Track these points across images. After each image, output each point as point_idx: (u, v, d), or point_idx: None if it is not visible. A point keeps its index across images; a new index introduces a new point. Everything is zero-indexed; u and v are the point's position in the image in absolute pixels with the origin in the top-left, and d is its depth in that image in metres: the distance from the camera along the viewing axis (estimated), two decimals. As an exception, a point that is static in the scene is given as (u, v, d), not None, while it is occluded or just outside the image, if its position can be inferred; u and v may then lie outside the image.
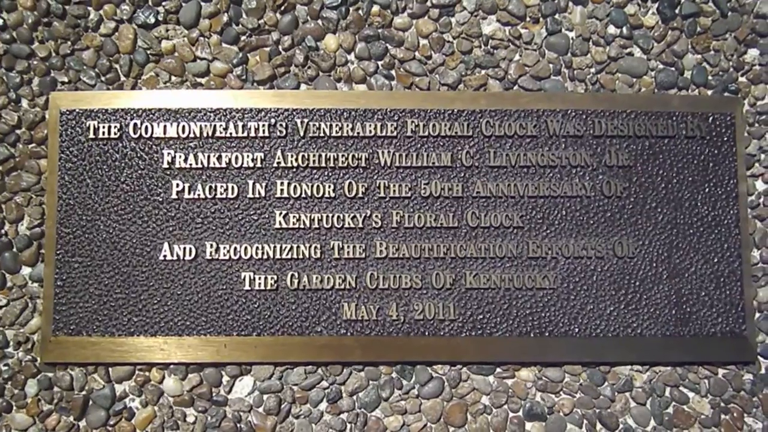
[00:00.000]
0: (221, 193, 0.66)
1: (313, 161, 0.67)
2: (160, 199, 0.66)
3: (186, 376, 0.66)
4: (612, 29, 0.72)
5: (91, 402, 0.66)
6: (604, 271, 0.66)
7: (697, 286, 0.67)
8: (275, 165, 0.67)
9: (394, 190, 0.67)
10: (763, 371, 0.68)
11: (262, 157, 0.67)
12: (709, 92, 0.71)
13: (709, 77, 0.71)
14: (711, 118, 0.69)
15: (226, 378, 0.66)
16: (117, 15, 0.70)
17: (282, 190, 0.66)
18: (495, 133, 0.68)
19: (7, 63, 0.69)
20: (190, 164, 0.67)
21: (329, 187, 0.67)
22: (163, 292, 0.65)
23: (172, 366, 0.66)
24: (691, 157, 0.68)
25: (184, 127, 0.67)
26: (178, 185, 0.66)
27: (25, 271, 0.68)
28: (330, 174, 0.67)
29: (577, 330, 0.66)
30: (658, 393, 0.67)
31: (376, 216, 0.66)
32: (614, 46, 0.71)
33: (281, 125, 0.67)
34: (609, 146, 0.68)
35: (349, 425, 0.66)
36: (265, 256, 0.66)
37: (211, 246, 0.66)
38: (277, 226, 0.66)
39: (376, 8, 0.71)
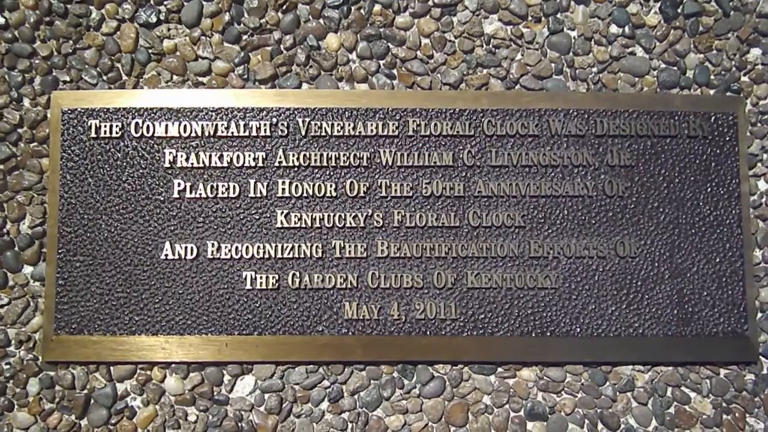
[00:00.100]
0: (223, 193, 0.66)
1: (315, 160, 0.67)
2: (162, 199, 0.66)
3: (187, 375, 0.66)
4: (614, 28, 0.72)
5: (92, 401, 0.66)
6: (605, 270, 0.66)
7: (699, 286, 0.66)
8: (277, 164, 0.67)
9: (396, 190, 0.67)
10: (765, 371, 0.68)
11: (264, 157, 0.67)
12: (712, 92, 0.71)
13: (712, 77, 0.71)
14: (713, 118, 0.69)
15: (228, 377, 0.66)
16: (119, 14, 0.70)
17: (283, 189, 0.66)
18: (497, 132, 0.68)
19: (9, 62, 0.69)
20: (192, 163, 0.67)
21: (331, 186, 0.67)
22: (164, 291, 0.65)
23: (173, 365, 0.66)
24: (693, 156, 0.68)
25: (185, 126, 0.67)
26: (179, 184, 0.66)
27: (27, 270, 0.68)
28: (331, 173, 0.67)
29: (578, 330, 0.66)
30: (659, 393, 0.67)
31: (378, 215, 0.66)
32: (616, 45, 0.71)
33: (283, 124, 0.67)
34: (611, 146, 0.68)
35: (350, 425, 0.66)
36: (266, 256, 0.66)
37: (213, 245, 0.66)
38: (279, 225, 0.66)
39: (377, 7, 0.71)
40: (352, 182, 0.67)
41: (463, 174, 0.67)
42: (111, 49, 0.70)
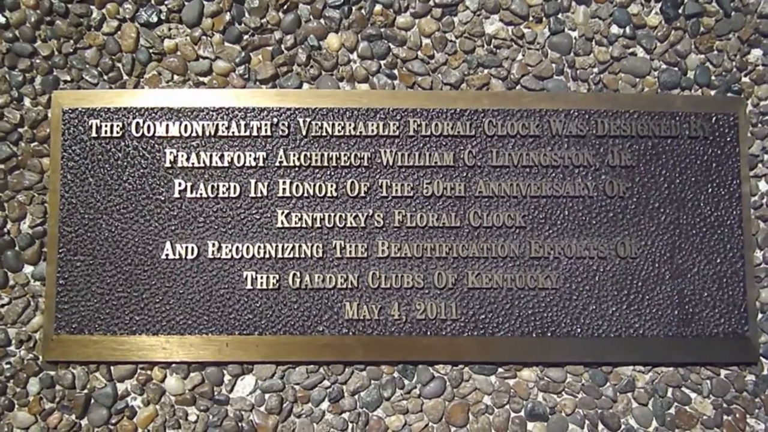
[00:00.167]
0: (223, 192, 0.66)
1: (316, 160, 0.67)
2: (163, 198, 0.66)
3: (188, 375, 0.66)
4: (615, 29, 0.72)
5: (92, 400, 0.66)
6: (606, 271, 0.66)
7: (699, 287, 0.66)
8: (277, 164, 0.67)
9: (397, 190, 0.67)
10: (765, 372, 0.68)
11: (265, 157, 0.67)
12: (713, 92, 0.71)
13: (713, 77, 0.71)
14: (714, 119, 0.69)
15: (228, 377, 0.66)
16: (120, 14, 0.70)
17: (284, 189, 0.66)
18: (497, 132, 0.68)
19: (9, 61, 0.69)
20: (193, 163, 0.67)
21: (331, 186, 0.67)
22: (165, 291, 0.65)
23: (173, 365, 0.66)
24: (694, 157, 0.68)
25: (186, 126, 0.67)
26: (180, 184, 0.66)
27: (28, 269, 0.68)
28: (332, 173, 0.67)
29: (579, 330, 0.66)
30: (660, 394, 0.67)
31: (379, 215, 0.66)
32: (617, 45, 0.71)
33: (284, 124, 0.67)
34: (612, 146, 0.68)
35: (350, 425, 0.66)
36: (267, 256, 0.66)
37: (213, 245, 0.66)
38: (279, 225, 0.66)
39: (378, 7, 0.71)
40: (352, 182, 0.67)
41: (464, 174, 0.67)
42: (112, 48, 0.70)
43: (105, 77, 0.70)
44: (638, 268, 0.66)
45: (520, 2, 0.71)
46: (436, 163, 0.67)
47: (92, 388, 0.66)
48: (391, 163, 0.67)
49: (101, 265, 0.65)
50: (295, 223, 0.66)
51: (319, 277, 0.66)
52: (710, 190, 0.68)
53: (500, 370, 0.67)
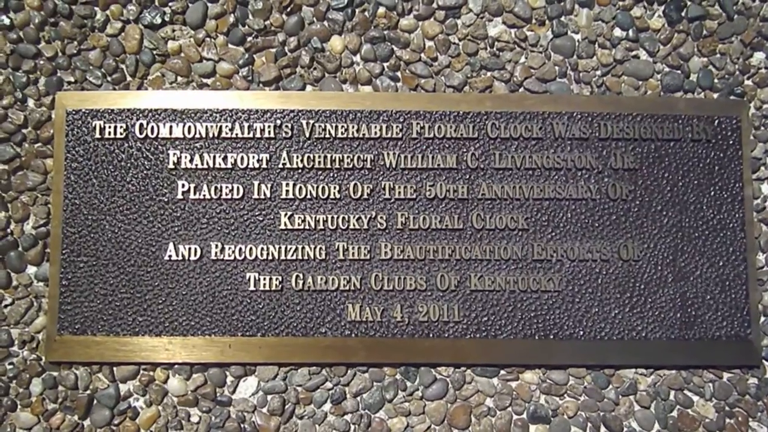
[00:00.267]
0: (226, 194, 0.66)
1: (319, 162, 0.67)
2: (166, 200, 0.66)
3: (190, 376, 0.66)
4: (618, 32, 0.72)
5: (95, 401, 0.66)
6: (609, 274, 0.66)
7: (702, 290, 0.66)
8: (281, 166, 0.67)
9: (399, 192, 0.67)
10: (768, 375, 0.68)
11: (268, 158, 0.67)
12: (715, 95, 0.71)
13: (715, 80, 0.71)
14: (717, 122, 0.69)
15: (231, 378, 0.66)
16: (123, 15, 0.70)
17: (287, 191, 0.67)
18: (500, 135, 0.68)
19: (13, 62, 0.70)
20: (196, 165, 0.67)
21: (334, 188, 0.67)
22: (168, 292, 0.65)
23: (176, 366, 0.66)
24: (696, 160, 0.68)
25: (189, 127, 0.67)
26: (183, 185, 0.67)
27: (31, 270, 0.68)
28: (335, 175, 0.67)
29: (581, 333, 0.66)
30: (662, 396, 0.67)
31: (381, 217, 0.66)
32: (620, 48, 0.71)
33: (287, 126, 0.67)
34: (614, 149, 0.68)
35: (352, 426, 0.66)
36: (270, 257, 0.66)
37: (216, 246, 0.66)
38: (282, 227, 0.66)
39: (381, 10, 0.71)
40: (355, 184, 0.67)
41: (467, 176, 0.67)
42: (115, 50, 0.70)
43: (109, 78, 0.70)
44: (641, 271, 0.66)
45: (523, 5, 0.71)
46: (438, 165, 0.67)
47: (95, 389, 0.66)
48: (394, 165, 0.67)
49: (104, 266, 0.66)
50: (298, 224, 0.66)
51: (321, 278, 0.66)
52: (713, 193, 0.68)
53: (502, 372, 0.67)
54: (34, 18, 0.70)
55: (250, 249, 0.66)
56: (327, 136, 0.67)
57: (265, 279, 0.65)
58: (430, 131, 0.68)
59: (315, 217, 0.66)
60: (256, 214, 0.66)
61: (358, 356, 0.65)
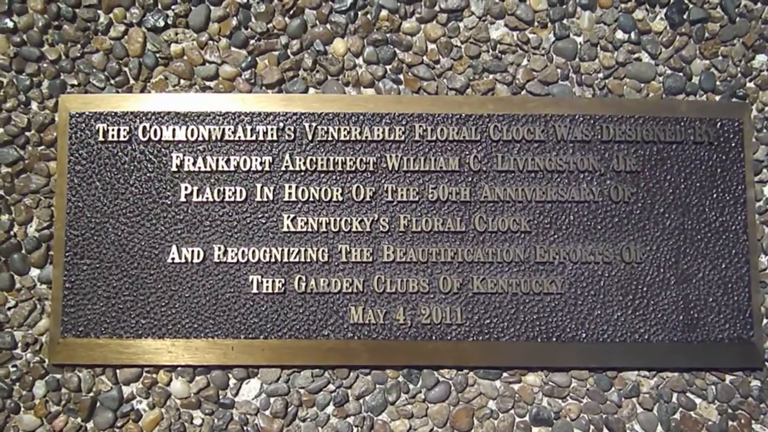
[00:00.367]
0: (229, 197, 0.67)
1: (321, 165, 0.67)
2: (169, 202, 0.67)
3: (193, 378, 0.66)
4: (620, 34, 0.72)
5: (98, 404, 0.66)
6: (611, 276, 0.66)
7: (704, 292, 0.66)
8: (283, 168, 0.67)
9: (402, 195, 0.67)
10: (770, 378, 0.68)
11: (271, 161, 0.67)
12: (717, 98, 0.71)
13: (717, 83, 0.71)
14: (719, 124, 0.69)
15: (233, 381, 0.66)
16: (126, 18, 0.71)
17: (290, 193, 0.67)
18: (503, 137, 0.68)
19: (17, 66, 0.70)
20: (199, 167, 0.67)
21: (337, 190, 0.67)
22: (170, 294, 0.66)
23: (179, 368, 0.66)
24: (699, 162, 0.68)
25: (192, 130, 0.67)
26: (186, 188, 0.67)
27: (34, 272, 0.68)
28: (338, 178, 0.67)
29: (584, 335, 0.66)
30: (665, 399, 0.67)
31: (384, 220, 0.67)
32: (622, 51, 0.71)
33: (289, 129, 0.67)
34: (617, 151, 0.68)
35: (355, 429, 0.66)
36: (272, 260, 0.66)
37: (219, 249, 0.66)
38: (285, 229, 0.66)
39: (384, 13, 0.71)
40: (358, 187, 0.67)
41: (469, 179, 0.67)
42: (119, 53, 0.70)
43: (112, 81, 0.70)
44: (643, 273, 0.67)
45: (525, 8, 0.71)
46: (441, 167, 0.67)
47: (98, 392, 0.66)
48: (396, 168, 0.67)
49: (107, 268, 0.66)
50: (301, 227, 0.66)
51: (324, 281, 0.66)
52: (715, 195, 0.68)
53: (505, 374, 0.67)
54: (38, 21, 0.70)
55: (253, 251, 0.66)
56: (330, 138, 0.67)
57: (267, 281, 0.66)
58: (433, 134, 0.68)
59: (318, 220, 0.66)
60: (259, 216, 0.67)
61: (360, 359, 0.65)
